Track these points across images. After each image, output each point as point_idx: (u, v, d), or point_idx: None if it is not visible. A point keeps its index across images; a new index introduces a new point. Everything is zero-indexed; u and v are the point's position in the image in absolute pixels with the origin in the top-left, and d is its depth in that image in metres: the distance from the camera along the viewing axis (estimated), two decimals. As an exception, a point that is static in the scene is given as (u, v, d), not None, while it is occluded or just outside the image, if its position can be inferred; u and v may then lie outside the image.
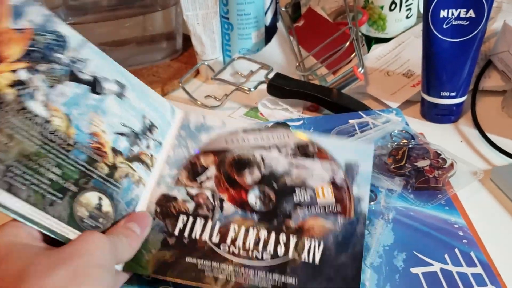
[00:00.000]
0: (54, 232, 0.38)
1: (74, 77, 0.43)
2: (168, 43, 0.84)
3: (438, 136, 0.60)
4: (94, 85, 0.44)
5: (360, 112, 0.61)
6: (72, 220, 0.40)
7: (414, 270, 0.42)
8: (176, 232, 0.43)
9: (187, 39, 0.84)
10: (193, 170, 0.47)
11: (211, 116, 0.52)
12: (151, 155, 0.47)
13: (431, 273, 0.42)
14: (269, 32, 0.79)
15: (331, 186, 0.46)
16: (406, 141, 0.56)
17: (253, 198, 0.45)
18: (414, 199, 0.49)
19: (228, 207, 0.45)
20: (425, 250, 0.44)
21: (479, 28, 0.58)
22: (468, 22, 0.58)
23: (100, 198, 0.42)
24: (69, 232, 0.39)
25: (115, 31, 0.81)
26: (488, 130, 0.61)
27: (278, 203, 0.45)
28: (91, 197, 0.41)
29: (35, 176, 0.38)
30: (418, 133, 0.58)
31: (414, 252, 0.44)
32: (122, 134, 0.45)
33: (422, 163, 0.53)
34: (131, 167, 0.44)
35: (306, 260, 0.41)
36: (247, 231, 0.43)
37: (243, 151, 0.49)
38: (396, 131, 0.58)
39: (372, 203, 0.49)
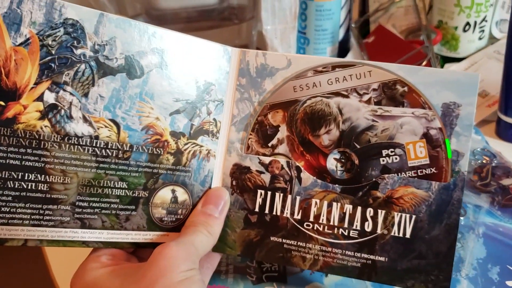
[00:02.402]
0: (138, 244, 0.38)
1: (106, 70, 0.36)
2: (242, 55, 0.87)
3: (515, 156, 0.62)
4: (130, 68, 0.37)
5: (440, 129, 0.63)
6: (152, 224, 0.39)
7: (509, 283, 0.45)
8: (257, 209, 0.41)
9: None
10: (262, 132, 0.42)
11: (273, 54, 0.42)
12: (214, 120, 0.42)
13: (527, 287, 0.44)
14: (341, 47, 0.82)
15: (424, 142, 0.39)
16: (488, 159, 0.58)
17: (332, 163, 0.41)
18: (502, 216, 0.52)
19: (306, 177, 0.41)
20: (518, 265, 0.46)
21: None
22: (552, 47, 0.60)
23: (173, 191, 0.40)
24: (153, 237, 0.39)
25: (193, 41, 0.85)
26: None
27: (361, 169, 0.40)
28: (164, 194, 0.39)
29: (102, 201, 0.37)
30: (498, 152, 0.60)
31: (507, 266, 0.46)
32: (177, 112, 0.40)
33: (507, 181, 0.55)
34: (196, 144, 0.41)
35: (397, 235, 0.39)
36: (329, 205, 0.40)
37: (316, 101, 0.41)
38: (478, 149, 0.60)
39: (462, 218, 0.51)
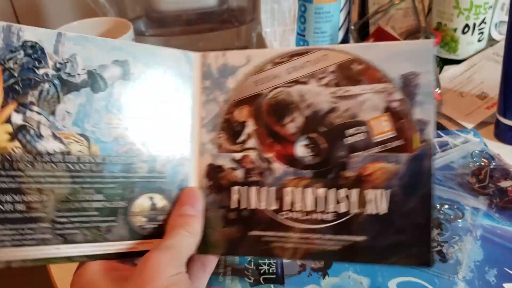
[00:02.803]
0: (122, 254, 0.38)
1: (69, 87, 0.37)
2: (241, 57, 0.87)
3: (513, 158, 0.62)
4: (94, 83, 0.38)
5: (438, 132, 0.63)
6: (133, 233, 0.39)
7: (507, 286, 0.45)
8: (234, 205, 0.41)
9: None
10: (231, 129, 0.42)
11: (232, 52, 0.43)
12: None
13: (524, 290, 0.44)
14: (340, 50, 0.82)
15: (388, 115, 0.39)
16: (486, 161, 0.59)
17: (301, 149, 0.41)
18: (500, 218, 0.52)
19: (278, 167, 0.41)
20: (515, 267, 0.46)
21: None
22: (550, 49, 0.60)
23: (151, 198, 0.40)
24: (137, 245, 0.39)
25: (192, 44, 0.85)
26: None
27: (329, 151, 0.40)
28: (142, 203, 0.39)
29: (81, 214, 0.36)
30: (496, 154, 0.60)
31: (505, 268, 0.46)
32: (146, 120, 0.40)
33: (505, 184, 0.55)
34: (169, 149, 0.41)
35: (373, 212, 0.38)
36: (303, 192, 0.40)
37: (278, 91, 0.42)
38: (476, 151, 0.60)
39: (459, 220, 0.51)
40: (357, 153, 0.39)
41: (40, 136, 0.35)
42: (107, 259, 0.38)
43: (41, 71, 0.36)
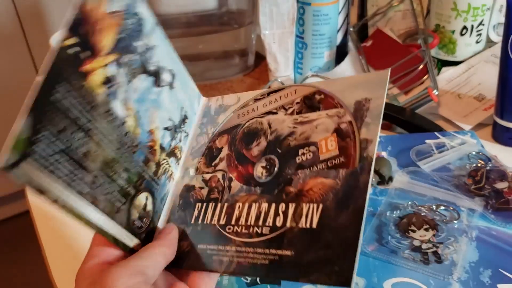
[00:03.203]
0: (116, 241, 0.38)
1: (144, 69, 0.41)
2: (241, 59, 0.88)
3: (510, 159, 0.62)
4: (157, 77, 0.42)
5: (436, 133, 0.64)
6: (128, 224, 0.39)
7: (501, 286, 0.45)
8: (192, 221, 0.43)
9: (257, 56, 0.88)
10: (209, 155, 0.46)
11: (228, 95, 0.49)
12: (181, 148, 0.46)
13: (518, 290, 0.45)
14: (339, 51, 0.83)
15: (335, 136, 0.40)
16: (483, 162, 0.59)
17: (259, 170, 0.43)
18: (495, 219, 0.52)
19: (235, 185, 0.43)
20: (510, 268, 0.46)
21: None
22: (546, 51, 0.60)
23: (147, 198, 0.41)
24: (125, 237, 0.38)
25: (193, 45, 0.86)
26: (561, 155, 0.63)
27: (280, 170, 0.42)
28: (142, 198, 0.40)
29: (111, 184, 0.37)
30: (493, 156, 0.61)
31: (499, 269, 0.46)
32: (167, 128, 0.44)
33: (501, 185, 0.55)
34: (168, 162, 0.44)
35: (304, 226, 0.37)
36: (250, 207, 0.41)
37: (252, 121, 0.46)
38: (473, 153, 0.60)
39: (455, 221, 0.51)
40: (302, 170, 0.40)
41: (116, 95, 0.37)
42: (107, 238, 0.37)
43: (136, 43, 0.39)
